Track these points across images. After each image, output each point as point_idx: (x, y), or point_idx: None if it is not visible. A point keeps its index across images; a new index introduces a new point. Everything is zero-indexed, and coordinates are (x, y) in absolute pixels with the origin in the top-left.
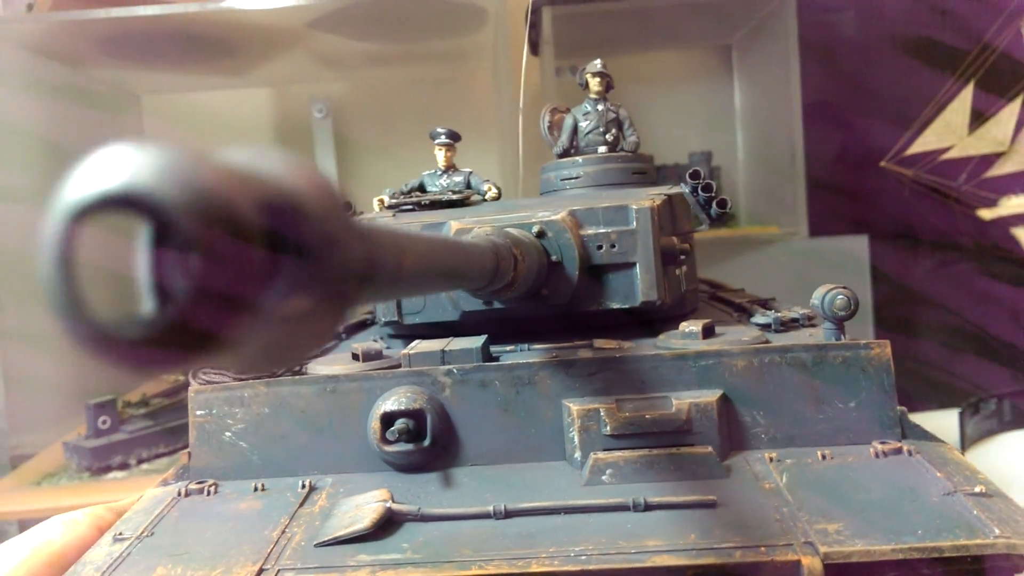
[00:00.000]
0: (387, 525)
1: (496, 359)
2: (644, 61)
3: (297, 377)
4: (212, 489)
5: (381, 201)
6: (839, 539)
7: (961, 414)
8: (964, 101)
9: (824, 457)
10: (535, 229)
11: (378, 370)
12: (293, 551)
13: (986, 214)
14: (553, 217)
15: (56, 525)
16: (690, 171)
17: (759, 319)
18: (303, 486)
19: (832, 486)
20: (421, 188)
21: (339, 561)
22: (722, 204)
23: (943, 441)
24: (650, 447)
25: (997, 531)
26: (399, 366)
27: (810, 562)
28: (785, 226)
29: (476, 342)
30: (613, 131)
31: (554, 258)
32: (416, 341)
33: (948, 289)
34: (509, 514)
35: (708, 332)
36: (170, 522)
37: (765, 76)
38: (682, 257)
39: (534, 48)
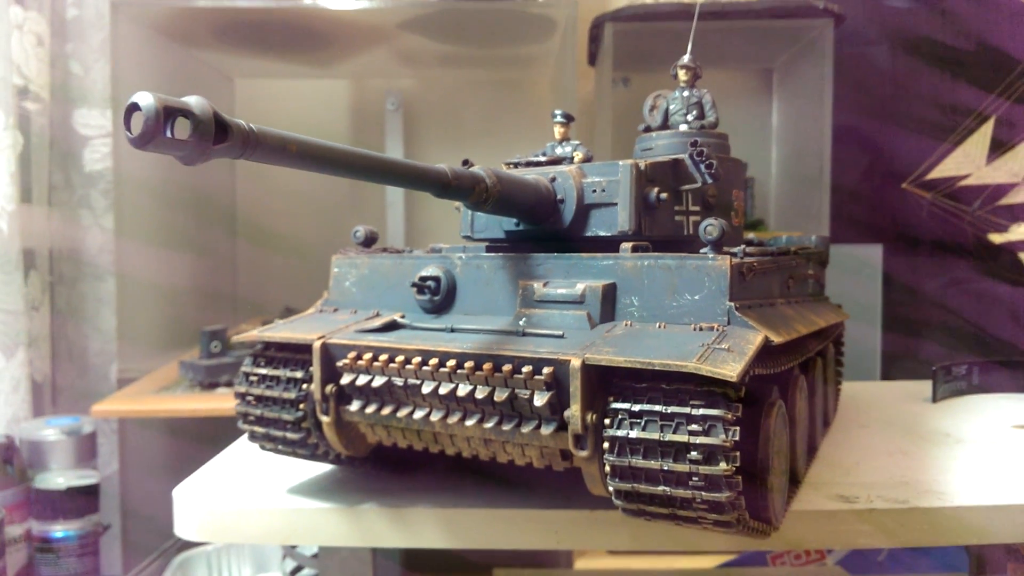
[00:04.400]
0: (393, 327)
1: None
2: None
3: (384, 254)
4: (332, 311)
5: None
6: (604, 353)
7: (934, 372)
8: (984, 135)
9: (659, 326)
10: (550, 176)
11: (428, 253)
12: (343, 332)
13: (996, 238)
14: (565, 169)
15: None
16: (692, 140)
17: (707, 251)
18: (374, 313)
19: (639, 335)
20: (543, 155)
21: (357, 339)
22: (709, 166)
23: (760, 330)
24: (555, 310)
25: (700, 344)
26: (440, 252)
27: (575, 361)
28: (809, 233)
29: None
30: (695, 112)
31: (559, 197)
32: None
33: (951, 293)
34: (454, 330)
35: (643, 251)
36: (302, 319)
37: (801, 99)
38: (660, 202)
39: (592, 59)
